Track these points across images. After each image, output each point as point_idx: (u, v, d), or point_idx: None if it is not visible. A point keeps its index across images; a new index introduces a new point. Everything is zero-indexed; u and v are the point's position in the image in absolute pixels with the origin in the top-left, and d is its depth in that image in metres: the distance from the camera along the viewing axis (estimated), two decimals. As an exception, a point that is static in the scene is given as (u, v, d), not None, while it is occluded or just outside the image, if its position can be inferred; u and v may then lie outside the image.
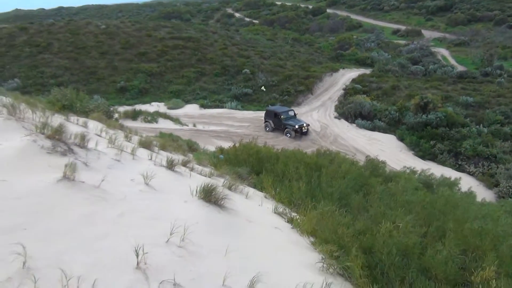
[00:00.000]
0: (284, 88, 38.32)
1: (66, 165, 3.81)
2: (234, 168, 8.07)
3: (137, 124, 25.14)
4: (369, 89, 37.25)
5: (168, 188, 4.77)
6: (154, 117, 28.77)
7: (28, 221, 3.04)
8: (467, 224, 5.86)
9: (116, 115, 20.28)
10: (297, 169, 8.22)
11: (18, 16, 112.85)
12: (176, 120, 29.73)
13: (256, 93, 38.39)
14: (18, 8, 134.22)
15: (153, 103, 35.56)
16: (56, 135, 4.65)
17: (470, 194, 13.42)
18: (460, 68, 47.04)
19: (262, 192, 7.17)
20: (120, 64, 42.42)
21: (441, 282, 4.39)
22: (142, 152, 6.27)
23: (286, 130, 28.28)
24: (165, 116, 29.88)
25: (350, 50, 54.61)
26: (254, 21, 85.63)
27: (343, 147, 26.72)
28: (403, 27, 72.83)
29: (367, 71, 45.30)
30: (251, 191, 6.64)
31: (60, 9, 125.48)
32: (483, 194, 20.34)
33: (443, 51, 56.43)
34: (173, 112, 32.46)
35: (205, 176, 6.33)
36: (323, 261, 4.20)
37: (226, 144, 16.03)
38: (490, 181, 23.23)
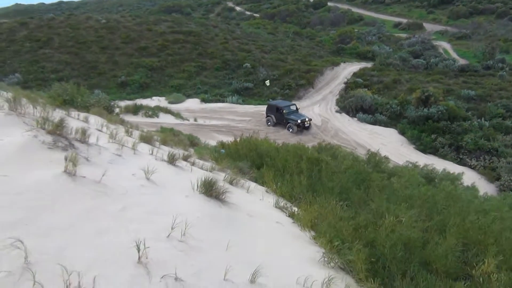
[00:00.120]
0: (285, 82, 38.24)
1: (66, 158, 3.81)
2: (235, 163, 8.07)
3: (138, 119, 25.15)
4: (370, 82, 37.15)
5: (169, 182, 4.77)
6: (155, 111, 28.76)
7: (29, 216, 3.05)
8: (469, 217, 5.86)
9: (117, 110, 20.26)
10: (298, 164, 8.22)
11: (18, 10, 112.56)
12: (177, 114, 29.71)
13: (257, 87, 38.33)
14: (18, 2, 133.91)
15: (154, 98, 35.53)
16: (57, 130, 4.65)
17: (473, 189, 13.40)
18: (462, 61, 46.86)
19: (263, 186, 7.17)
20: (121, 59, 42.35)
21: (442, 276, 4.40)
22: (143, 147, 6.27)
23: (288, 124, 28.18)
24: (166, 111, 29.86)
25: (351, 43, 54.41)
26: (255, 14, 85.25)
27: (344, 141, 26.71)
28: (404, 20, 72.46)
29: (368, 64, 45.19)
30: (252, 185, 6.65)
31: (60, 3, 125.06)
32: (485, 188, 20.35)
33: (444, 45, 56.18)
34: (174, 107, 32.43)
35: (206, 171, 6.34)
36: (324, 255, 4.21)
37: (227, 139, 16.03)
38: (491, 174, 23.22)
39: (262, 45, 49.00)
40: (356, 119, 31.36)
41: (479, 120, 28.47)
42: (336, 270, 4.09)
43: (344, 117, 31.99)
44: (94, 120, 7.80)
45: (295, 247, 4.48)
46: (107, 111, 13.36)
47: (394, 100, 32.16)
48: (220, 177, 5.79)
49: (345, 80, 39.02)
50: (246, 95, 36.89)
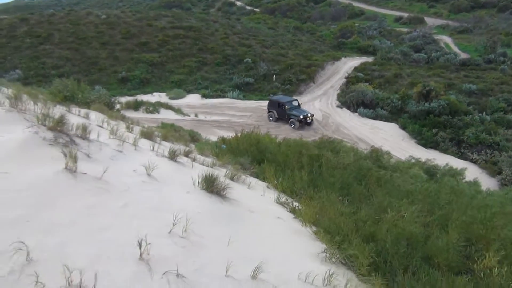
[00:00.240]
0: (286, 77, 38.17)
1: (66, 155, 3.81)
2: (236, 158, 8.07)
3: (139, 115, 25.13)
4: (371, 77, 37.10)
5: (170, 178, 4.77)
6: (155, 107, 28.74)
7: (31, 213, 3.05)
8: (471, 212, 5.86)
9: (117, 106, 20.24)
10: (299, 159, 8.22)
11: (18, 6, 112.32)
12: (178, 110, 29.69)
13: (258, 82, 38.29)
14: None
15: (154, 94, 35.52)
16: (58, 127, 4.64)
17: (475, 184, 13.40)
18: (463, 55, 46.74)
19: (264, 182, 7.17)
20: (121, 54, 42.30)
21: (444, 270, 4.40)
22: (144, 143, 6.26)
23: (290, 120, 28.09)
24: (167, 107, 29.84)
25: (352, 38, 54.27)
26: (255, 9, 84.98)
27: (345, 136, 26.69)
28: (405, 15, 72.10)
29: (369, 59, 45.10)
30: (254, 181, 6.64)
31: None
32: (486, 182, 20.35)
33: (445, 39, 55.98)
34: (175, 102, 32.41)
35: (207, 167, 6.33)
36: (325, 250, 4.21)
37: (228, 134, 16.02)
38: (493, 168, 23.23)
39: (262, 40, 48.90)
40: (357, 114, 31.33)
41: (480, 114, 28.45)
42: (338, 265, 4.09)
43: (345, 112, 31.96)
44: (95, 116, 7.79)
45: (297, 242, 4.47)
46: (108, 107, 13.35)
47: (395, 95, 32.13)
48: (221, 173, 5.78)
49: (346, 74, 38.95)
50: (246, 90, 36.86)
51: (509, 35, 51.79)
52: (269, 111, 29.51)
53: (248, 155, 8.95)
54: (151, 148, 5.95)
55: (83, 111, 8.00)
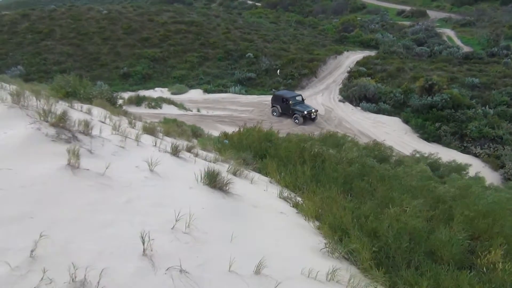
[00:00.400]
0: (288, 72, 38.07)
1: (69, 151, 3.81)
2: (238, 153, 8.06)
3: (141, 110, 25.11)
4: (373, 71, 36.93)
5: (173, 174, 4.77)
6: (158, 102, 28.69)
7: (34, 209, 3.05)
8: (475, 207, 5.85)
9: (120, 102, 20.24)
10: (302, 154, 8.20)
11: (19, 2, 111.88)
12: (180, 105, 29.65)
13: (260, 77, 38.20)
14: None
15: (156, 89, 35.49)
16: (60, 123, 4.64)
17: (478, 179, 13.35)
18: (466, 49, 46.41)
19: (267, 177, 7.16)
20: (123, 50, 42.24)
21: (447, 264, 4.39)
22: (147, 138, 6.26)
23: (294, 115, 27.95)
24: (169, 102, 29.80)
25: (354, 32, 53.93)
26: (257, 4, 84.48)
27: (348, 130, 26.62)
28: (407, 8, 71.59)
29: (372, 53, 44.84)
30: (256, 176, 6.64)
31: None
32: (489, 176, 20.30)
33: (448, 32, 55.60)
34: (177, 98, 32.38)
35: (210, 162, 6.33)
36: (328, 245, 4.20)
37: (230, 129, 16.02)
38: (496, 162, 23.16)
39: (264, 34, 48.71)
40: (359, 108, 31.23)
41: (483, 108, 28.31)
42: (341, 260, 4.09)
43: (348, 106, 31.87)
44: (97, 112, 7.79)
45: (300, 237, 4.47)
46: (110, 103, 13.34)
47: (397, 89, 31.98)
48: (224, 168, 5.78)
49: (348, 69, 38.78)
50: (249, 85, 36.78)
51: (513, 28, 51.44)
52: (272, 106, 29.40)
53: (251, 150, 8.95)
54: (154, 144, 5.94)
55: (85, 107, 8.00)
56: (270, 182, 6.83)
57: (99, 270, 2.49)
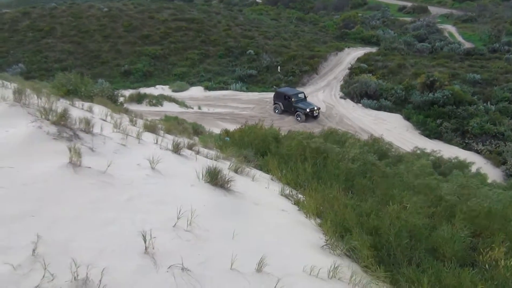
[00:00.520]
0: (289, 69, 38.02)
1: (70, 150, 3.81)
2: (240, 151, 8.05)
3: (142, 108, 25.13)
4: (374, 68, 36.86)
5: (174, 172, 4.77)
6: (159, 100, 28.71)
7: (36, 208, 3.05)
8: (475, 204, 5.84)
9: (121, 99, 20.23)
10: (303, 151, 8.20)
11: (20, 0, 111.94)
12: (181, 103, 29.66)
13: (261, 74, 38.15)
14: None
15: (157, 86, 35.48)
16: (61, 121, 4.64)
17: (479, 175, 13.31)
18: (467, 44, 46.27)
19: (268, 174, 7.16)
20: (124, 48, 42.22)
21: (449, 261, 4.39)
22: (148, 136, 6.25)
23: (296, 113, 27.92)
24: (170, 99, 29.81)
25: (355, 28, 53.78)
26: (258, 0, 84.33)
27: (349, 127, 26.61)
28: (409, 4, 71.39)
29: (373, 49, 44.74)
30: (258, 173, 6.63)
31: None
32: (491, 172, 20.27)
33: (449, 28, 55.42)
34: (178, 95, 32.38)
35: (211, 159, 6.32)
36: (329, 242, 4.20)
37: (232, 126, 16.01)
38: (497, 159, 23.13)
39: (265, 31, 48.62)
40: (360, 105, 31.19)
41: (485, 104, 28.24)
42: (342, 257, 4.09)
43: (349, 103, 31.83)
44: (98, 110, 7.78)
45: (301, 234, 4.47)
46: (111, 101, 13.34)
47: (399, 85, 31.92)
48: (225, 166, 5.78)
49: (349, 65, 38.71)
50: (249, 82, 36.75)
51: (514, 24, 51.25)
52: (275, 103, 29.36)
53: (252, 147, 8.94)
54: (155, 142, 5.94)
55: (86, 104, 8.00)
56: (272, 179, 6.82)
57: (100, 268, 2.50)
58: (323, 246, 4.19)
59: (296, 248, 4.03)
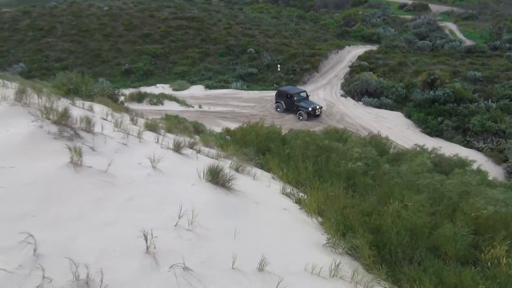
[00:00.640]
0: (290, 67, 37.97)
1: (71, 149, 3.80)
2: (241, 149, 8.05)
3: (143, 107, 25.12)
4: (375, 65, 36.77)
5: (175, 171, 4.76)
6: (159, 99, 28.68)
7: (37, 207, 3.05)
8: (476, 203, 5.83)
9: (121, 98, 20.22)
10: (306, 149, 8.19)
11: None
12: (181, 101, 29.63)
13: (262, 72, 38.10)
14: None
15: (158, 85, 35.44)
16: (62, 120, 4.64)
17: (480, 173, 13.26)
18: (468, 42, 46.19)
19: (270, 173, 7.15)
20: (124, 46, 42.19)
21: (451, 259, 4.38)
22: (149, 135, 6.25)
23: (298, 112, 27.86)
24: (171, 98, 29.77)
25: (356, 26, 53.66)
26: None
27: (350, 125, 26.57)
28: (409, 2, 71.20)
29: (374, 47, 44.65)
30: (259, 172, 6.63)
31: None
32: (492, 170, 20.24)
33: (450, 25, 55.31)
34: (179, 94, 32.35)
35: (212, 158, 6.32)
36: (331, 241, 4.20)
37: (232, 125, 16.00)
38: (498, 156, 23.08)
39: (265, 29, 48.54)
40: (361, 103, 31.12)
41: (486, 101, 28.17)
42: (344, 256, 4.09)
43: (350, 101, 31.78)
44: (99, 109, 7.79)
45: (303, 233, 4.47)
46: (112, 100, 13.34)
47: (399, 83, 31.84)
48: (226, 165, 5.77)
49: (350, 63, 38.62)
50: (250, 81, 36.68)
51: (515, 21, 51.11)
52: (276, 102, 29.30)
53: (253, 146, 8.93)
54: (156, 141, 5.94)
55: (87, 104, 8.00)
56: (273, 178, 6.82)
57: (102, 268, 2.49)
58: (324, 244, 4.18)
59: (297, 246, 4.02)
